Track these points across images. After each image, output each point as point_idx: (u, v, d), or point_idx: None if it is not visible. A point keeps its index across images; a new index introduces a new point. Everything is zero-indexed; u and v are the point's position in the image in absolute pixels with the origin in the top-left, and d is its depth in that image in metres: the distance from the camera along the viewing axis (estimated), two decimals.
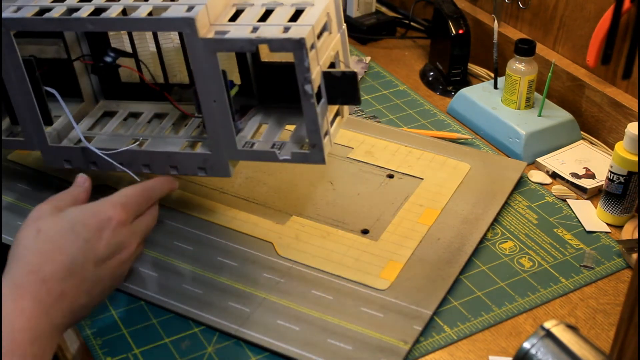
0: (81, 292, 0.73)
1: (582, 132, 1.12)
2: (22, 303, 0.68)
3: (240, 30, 0.79)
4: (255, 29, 0.79)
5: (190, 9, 0.79)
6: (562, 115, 1.11)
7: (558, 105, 1.14)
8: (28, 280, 0.70)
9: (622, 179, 0.95)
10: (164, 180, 0.86)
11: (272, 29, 0.79)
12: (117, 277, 0.77)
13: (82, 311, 0.74)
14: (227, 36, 0.78)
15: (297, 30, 0.77)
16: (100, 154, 0.88)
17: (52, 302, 0.70)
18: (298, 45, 0.75)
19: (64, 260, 0.72)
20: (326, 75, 0.80)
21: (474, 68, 1.27)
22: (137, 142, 0.90)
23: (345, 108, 0.90)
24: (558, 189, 1.03)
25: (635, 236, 0.95)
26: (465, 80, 1.25)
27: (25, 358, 0.66)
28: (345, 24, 0.88)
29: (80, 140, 0.91)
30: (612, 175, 0.96)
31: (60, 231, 0.73)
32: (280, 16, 0.81)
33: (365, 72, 1.27)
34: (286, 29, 0.78)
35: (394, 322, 0.82)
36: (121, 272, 0.78)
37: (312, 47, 0.77)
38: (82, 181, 0.83)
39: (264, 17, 0.82)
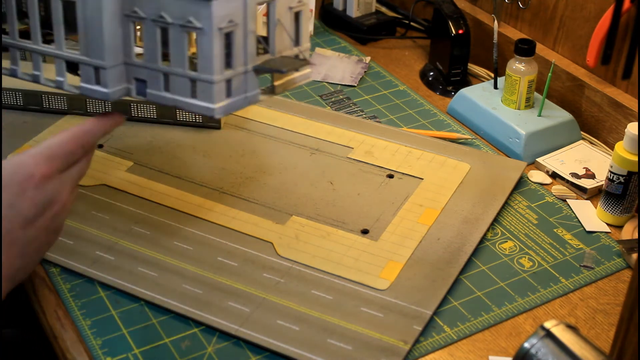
0: (13, 257, 0.69)
1: (582, 132, 1.12)
2: None
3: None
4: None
5: None
6: (562, 115, 1.11)
7: (558, 105, 1.14)
8: None
9: (622, 179, 0.95)
10: (103, 121, 0.76)
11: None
12: (52, 231, 0.73)
13: (19, 274, 0.71)
14: None
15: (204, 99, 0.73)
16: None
17: None
18: (211, 114, 0.73)
19: None
20: (257, 70, 0.76)
21: (474, 68, 1.27)
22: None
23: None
24: (558, 189, 1.03)
25: (635, 236, 0.95)
26: (465, 80, 1.25)
27: None
28: None
29: None
30: (612, 175, 0.96)
31: None
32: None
33: (365, 72, 1.28)
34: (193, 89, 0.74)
35: (394, 322, 0.82)
36: (56, 226, 0.73)
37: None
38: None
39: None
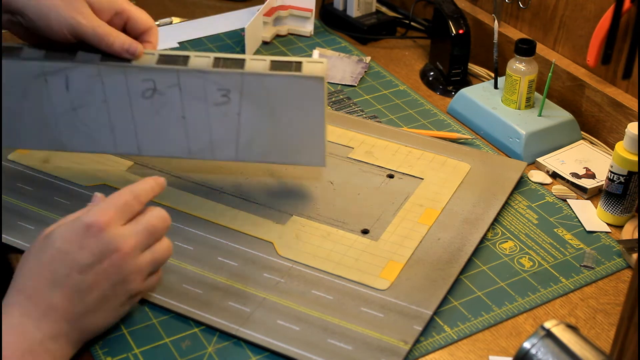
0: (73, 301, 0.74)
1: (582, 132, 1.12)
2: (12, 319, 0.72)
3: None
4: None
5: None
6: (562, 115, 1.11)
7: (558, 105, 1.14)
8: (16, 299, 0.73)
9: (622, 179, 0.95)
10: (158, 182, 0.82)
11: None
12: (117, 282, 0.75)
13: (84, 320, 0.75)
14: None
15: None
16: None
17: (40, 315, 0.72)
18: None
19: (46, 275, 0.73)
20: None
21: (474, 68, 1.27)
22: None
23: None
24: (558, 188, 1.03)
25: (635, 236, 0.95)
26: (465, 80, 1.25)
27: None
28: None
29: None
30: (612, 175, 0.96)
31: (43, 249, 0.74)
32: None
33: (365, 72, 1.28)
34: None
35: (394, 322, 0.82)
36: (120, 277, 0.75)
37: None
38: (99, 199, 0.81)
39: None
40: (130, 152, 0.94)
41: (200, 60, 0.89)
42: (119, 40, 0.88)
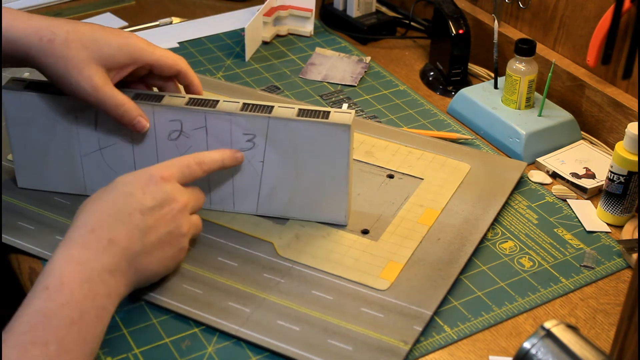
0: (132, 239, 0.78)
1: (582, 132, 1.12)
2: (71, 251, 0.74)
3: None
4: None
5: None
6: (562, 115, 1.11)
7: (558, 105, 1.14)
8: (78, 233, 0.76)
9: (622, 179, 0.95)
10: (228, 154, 0.89)
11: None
12: (174, 234, 0.81)
13: (140, 260, 0.78)
14: None
15: None
16: None
17: (101, 248, 0.75)
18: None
19: (110, 212, 0.78)
20: None
21: (474, 68, 1.27)
22: None
23: None
24: (558, 188, 1.03)
25: (635, 236, 0.95)
26: (465, 80, 1.25)
27: (74, 296, 0.71)
28: None
29: None
30: (612, 175, 0.96)
31: (107, 191, 0.80)
32: None
33: (365, 72, 1.28)
34: None
35: (394, 322, 0.82)
36: (177, 228, 0.81)
37: None
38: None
39: None
40: None
41: (229, 104, 0.90)
42: (127, 114, 0.88)
